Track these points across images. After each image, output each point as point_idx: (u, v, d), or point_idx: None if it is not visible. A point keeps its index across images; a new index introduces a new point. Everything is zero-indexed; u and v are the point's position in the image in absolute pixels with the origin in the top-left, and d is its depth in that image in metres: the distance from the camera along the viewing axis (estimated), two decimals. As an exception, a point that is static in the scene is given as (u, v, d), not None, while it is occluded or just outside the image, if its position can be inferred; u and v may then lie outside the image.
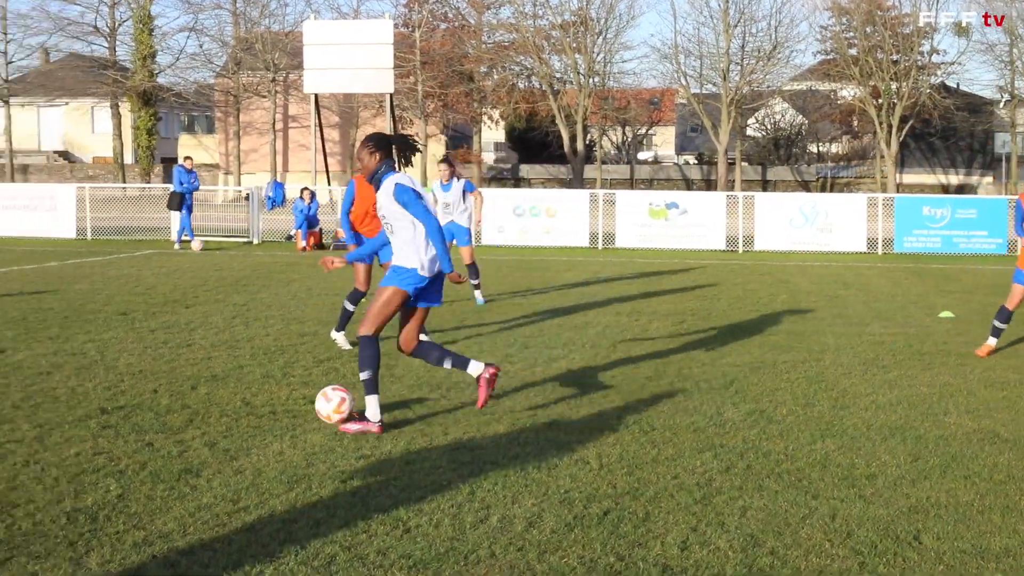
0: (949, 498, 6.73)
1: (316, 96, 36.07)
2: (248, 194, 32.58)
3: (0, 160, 72.42)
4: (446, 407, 9.10)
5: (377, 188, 8.43)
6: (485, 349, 12.09)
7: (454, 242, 16.26)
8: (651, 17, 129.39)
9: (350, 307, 12.36)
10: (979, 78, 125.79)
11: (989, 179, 73.64)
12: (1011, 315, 12.09)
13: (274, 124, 67.46)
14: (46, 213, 31.04)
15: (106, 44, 70.16)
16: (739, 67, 64.48)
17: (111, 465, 7.27)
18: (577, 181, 63.60)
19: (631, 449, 7.78)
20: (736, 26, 64.06)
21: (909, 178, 71.11)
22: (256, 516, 6.28)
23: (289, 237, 30.47)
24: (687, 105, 73.44)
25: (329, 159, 47.55)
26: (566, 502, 6.58)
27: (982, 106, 70.26)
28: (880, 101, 62.76)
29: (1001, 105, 69.32)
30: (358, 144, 8.45)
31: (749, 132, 75.65)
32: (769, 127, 78.47)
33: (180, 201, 27.82)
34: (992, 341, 12.09)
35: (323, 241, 29.05)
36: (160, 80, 69.18)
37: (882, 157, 64.25)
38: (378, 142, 8.45)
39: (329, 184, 41.23)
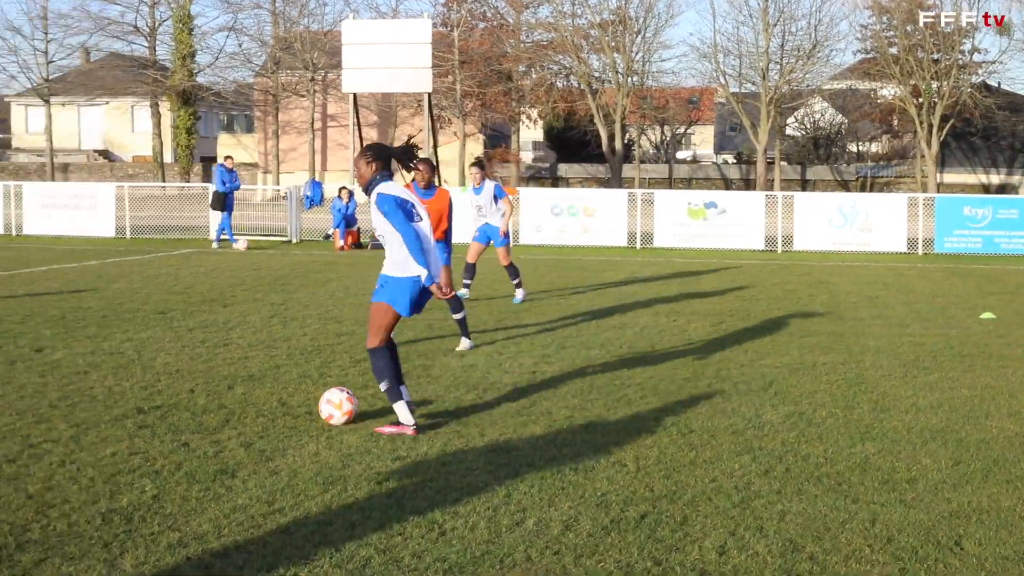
0: (991, 503, 6.65)
1: (355, 95, 36.08)
2: (286, 193, 32.68)
3: (41, 159, 72.97)
4: (483, 408, 9.07)
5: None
6: (523, 350, 12.05)
7: (491, 243, 16.24)
8: (690, 16, 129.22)
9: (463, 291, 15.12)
10: (1021, 77, 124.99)
11: (1031, 179, 72.95)
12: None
13: (312, 123, 67.65)
14: (86, 212, 31.21)
15: (146, 44, 70.55)
16: (778, 66, 64.07)
17: (147, 465, 7.29)
18: (615, 180, 63.39)
19: (669, 451, 7.73)
20: (776, 25, 63.66)
21: (950, 178, 70.43)
22: (291, 518, 6.27)
23: (327, 236, 30.55)
24: (726, 104, 73.02)
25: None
26: (603, 505, 6.54)
27: (1024, 105, 69.64)
28: (920, 100, 62.23)
29: (1043, 105, 68.64)
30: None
31: (788, 131, 75.12)
32: (808, 126, 77.92)
33: (224, 201, 27.91)
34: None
35: (361, 240, 29.06)
36: (199, 79, 69.48)
37: (922, 156, 63.71)
38: (376, 153, 8.39)
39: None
